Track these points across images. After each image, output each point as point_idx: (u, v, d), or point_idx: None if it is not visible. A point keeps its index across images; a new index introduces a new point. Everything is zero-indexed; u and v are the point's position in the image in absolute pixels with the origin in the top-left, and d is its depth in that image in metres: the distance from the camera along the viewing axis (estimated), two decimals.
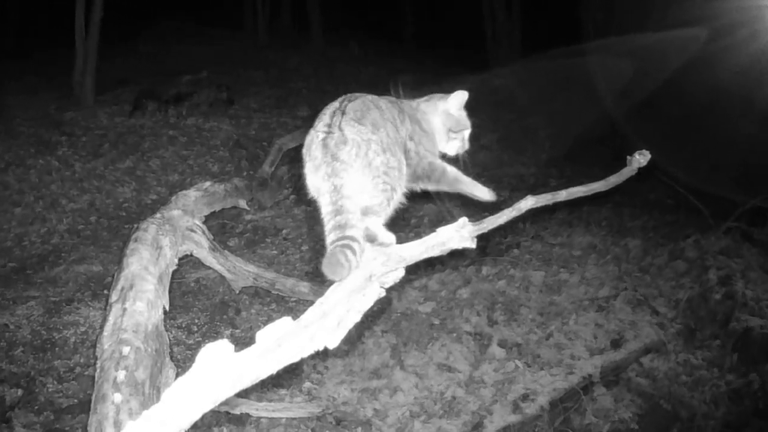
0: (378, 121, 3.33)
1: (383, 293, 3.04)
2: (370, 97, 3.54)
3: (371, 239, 3.16)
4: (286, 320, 2.79)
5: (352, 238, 3.05)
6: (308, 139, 3.35)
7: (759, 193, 9.29)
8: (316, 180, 3.26)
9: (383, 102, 3.55)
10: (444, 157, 3.78)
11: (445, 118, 3.84)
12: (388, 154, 3.25)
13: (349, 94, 3.51)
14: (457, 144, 3.89)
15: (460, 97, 3.87)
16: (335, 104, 3.41)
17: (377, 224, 3.20)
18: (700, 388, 6.86)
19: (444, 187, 3.63)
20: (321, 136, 3.26)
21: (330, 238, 3.11)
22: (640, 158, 3.84)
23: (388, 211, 3.30)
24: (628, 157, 3.86)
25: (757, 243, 8.89)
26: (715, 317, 7.68)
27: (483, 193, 3.57)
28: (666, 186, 10.72)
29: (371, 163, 3.19)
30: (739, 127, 12.59)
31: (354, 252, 3.01)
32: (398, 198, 3.38)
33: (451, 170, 3.62)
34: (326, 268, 3.00)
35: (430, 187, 3.64)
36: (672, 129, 13.48)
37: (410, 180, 3.55)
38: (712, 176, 10.58)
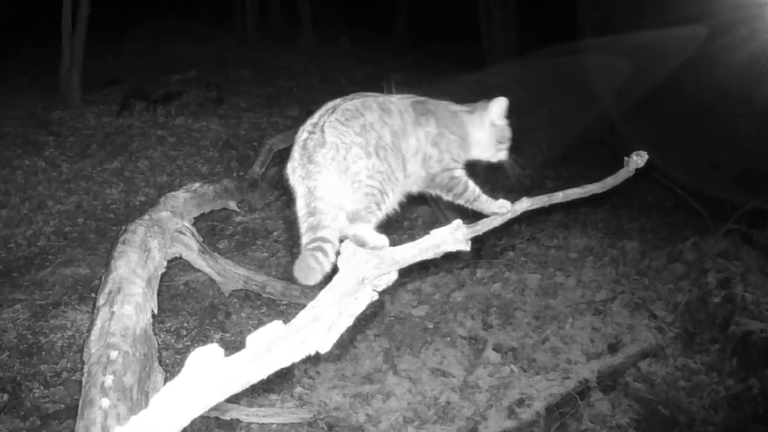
0: (371, 124, 3.32)
1: (376, 296, 3.05)
2: (374, 97, 3.54)
3: (361, 245, 3.16)
4: (277, 324, 2.79)
5: (324, 239, 3.09)
6: (296, 137, 3.38)
7: (759, 194, 9.31)
8: (293, 181, 3.30)
9: (393, 104, 3.54)
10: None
11: (492, 130, 3.81)
12: (374, 159, 3.23)
13: (354, 94, 3.53)
14: (504, 153, 3.89)
15: (502, 104, 3.83)
16: (332, 102, 3.43)
17: (366, 230, 3.19)
18: (699, 393, 6.87)
19: (460, 202, 3.63)
20: (304, 136, 3.30)
21: (303, 240, 3.14)
22: (638, 159, 3.86)
23: (378, 215, 3.30)
24: (625, 159, 3.87)
25: (757, 245, 8.90)
26: (714, 321, 7.70)
27: (499, 208, 3.55)
28: (664, 187, 10.73)
29: (348, 167, 3.19)
30: (739, 127, 12.62)
31: (326, 253, 3.06)
32: (391, 202, 3.38)
33: (473, 188, 3.60)
34: (297, 273, 3.06)
35: (444, 197, 3.65)
36: (670, 129, 13.51)
37: (425, 185, 3.58)
38: (711, 177, 10.60)
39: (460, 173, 3.63)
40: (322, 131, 3.25)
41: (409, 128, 3.50)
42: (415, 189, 3.60)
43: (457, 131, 3.70)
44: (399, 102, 3.58)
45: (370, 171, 3.23)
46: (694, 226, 9.50)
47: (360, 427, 6.40)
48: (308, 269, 3.01)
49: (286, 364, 2.75)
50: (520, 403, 6.53)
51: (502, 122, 3.86)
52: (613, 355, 7.24)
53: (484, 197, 3.59)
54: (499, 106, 3.81)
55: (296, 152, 3.31)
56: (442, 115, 3.68)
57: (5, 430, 5.99)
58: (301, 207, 3.23)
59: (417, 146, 3.51)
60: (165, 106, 14.26)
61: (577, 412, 6.60)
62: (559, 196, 3.70)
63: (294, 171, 3.29)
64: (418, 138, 3.51)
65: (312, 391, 6.81)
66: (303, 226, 3.19)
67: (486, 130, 3.79)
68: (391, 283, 3.16)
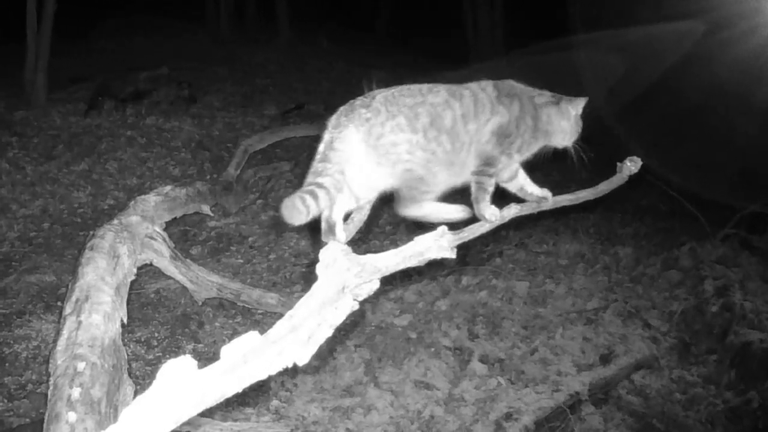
0: (432, 104, 3.44)
1: (357, 306, 3.04)
2: (446, 85, 3.63)
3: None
4: (253, 334, 2.78)
5: (320, 185, 3.18)
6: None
7: (758, 198, 9.34)
8: (325, 132, 3.41)
9: (468, 89, 3.63)
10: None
11: (574, 121, 3.96)
12: (419, 136, 3.34)
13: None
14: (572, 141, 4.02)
15: (585, 102, 3.99)
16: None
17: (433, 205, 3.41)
18: (696, 406, 6.89)
19: (474, 188, 3.69)
20: (357, 100, 3.43)
21: (304, 182, 3.23)
22: (631, 165, 3.89)
23: (427, 196, 3.45)
24: (618, 165, 3.91)
25: (756, 251, 8.95)
26: (712, 331, 7.73)
27: (490, 216, 3.60)
28: (659, 191, 10.77)
29: (383, 136, 3.30)
30: (738, 127, 12.64)
31: (316, 198, 3.15)
32: (444, 183, 3.51)
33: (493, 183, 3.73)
34: (283, 211, 3.14)
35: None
36: (666, 129, 13.55)
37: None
38: (709, 180, 10.62)
39: (507, 161, 3.73)
40: (374, 97, 3.35)
41: (487, 111, 3.60)
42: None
43: (541, 123, 3.86)
44: (475, 86, 3.67)
45: (412, 146, 3.32)
46: (691, 231, 9.54)
47: None
48: (293, 208, 3.10)
49: (263, 376, 2.74)
50: (508, 417, 6.52)
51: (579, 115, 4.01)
52: (606, 366, 7.25)
53: (489, 199, 3.65)
54: (584, 102, 3.97)
55: (342, 108, 3.40)
56: (525, 100, 3.79)
57: None
58: (317, 153, 3.33)
59: (491, 128, 3.60)
60: (134, 105, 14.20)
61: (568, 426, 6.61)
62: (549, 203, 3.73)
63: (329, 122, 3.39)
64: (494, 118, 3.62)
65: (289, 404, 6.79)
66: (309, 170, 3.28)
67: (570, 120, 3.92)
68: (372, 292, 3.15)
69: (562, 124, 3.88)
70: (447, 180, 3.46)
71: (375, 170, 3.34)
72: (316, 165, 3.27)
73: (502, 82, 3.75)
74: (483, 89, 3.62)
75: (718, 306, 7.85)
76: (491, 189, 3.64)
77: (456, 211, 3.40)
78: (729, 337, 7.49)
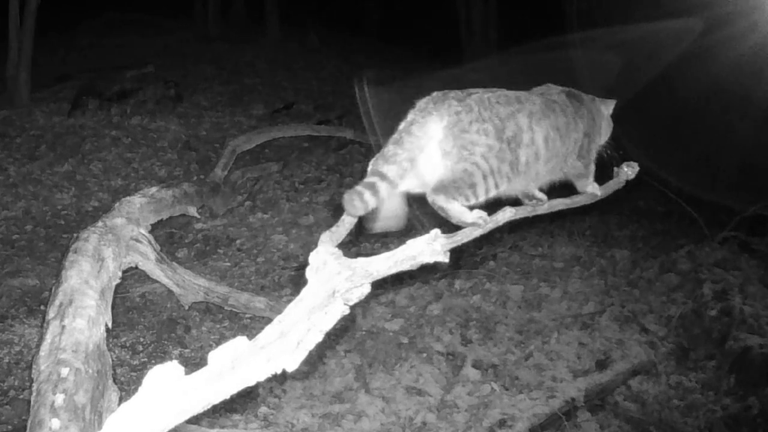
0: (530, 113, 3.56)
1: (347, 310, 3.04)
2: (541, 95, 3.78)
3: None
4: (241, 340, 2.78)
5: (383, 176, 3.23)
6: None
7: (758, 199, 9.35)
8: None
9: (557, 103, 3.76)
10: None
11: (607, 124, 4.11)
12: (503, 145, 3.41)
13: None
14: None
15: (614, 104, 4.19)
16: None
17: (457, 206, 3.39)
18: (694, 413, 6.89)
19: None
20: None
21: (369, 165, 3.33)
22: (628, 170, 3.94)
23: (469, 200, 3.43)
24: (615, 169, 3.96)
25: (756, 254, 8.95)
26: (711, 335, 7.73)
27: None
28: (657, 192, 10.78)
29: (466, 131, 3.34)
30: (737, 128, 12.66)
31: (375, 192, 3.21)
32: (490, 194, 3.52)
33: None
34: (344, 203, 3.23)
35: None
36: (663, 129, 13.56)
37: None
38: (708, 181, 10.67)
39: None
40: (470, 94, 3.40)
41: (572, 125, 3.74)
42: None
43: (597, 121, 4.03)
44: (558, 97, 3.81)
45: (489, 152, 3.36)
46: (689, 234, 9.56)
47: None
48: (351, 204, 3.19)
49: (251, 383, 2.74)
50: (502, 423, 6.52)
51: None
52: (602, 372, 7.25)
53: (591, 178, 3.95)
54: (613, 103, 4.19)
55: (434, 94, 3.47)
56: (589, 107, 3.97)
57: None
58: (395, 132, 3.37)
59: (576, 139, 3.79)
60: (119, 104, 14.17)
61: None
62: (545, 207, 3.75)
63: (417, 103, 3.44)
64: (578, 131, 3.79)
65: (278, 411, 6.78)
66: (382, 149, 3.33)
67: (606, 120, 4.10)
68: (363, 296, 3.15)
69: (602, 124, 4.04)
70: (495, 192, 3.50)
71: (439, 159, 3.37)
72: (389, 147, 3.31)
73: (570, 91, 3.86)
74: (562, 105, 3.76)
75: (717, 310, 7.85)
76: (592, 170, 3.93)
77: (473, 217, 3.41)
78: (728, 342, 7.49)
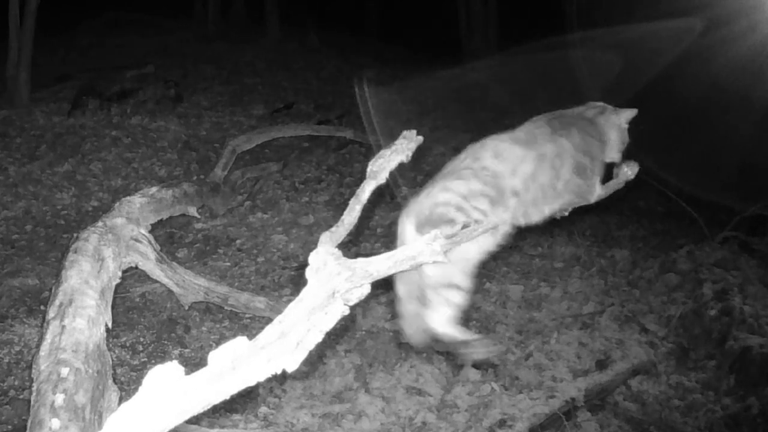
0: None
1: (347, 310, 3.05)
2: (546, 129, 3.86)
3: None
4: (242, 340, 2.79)
5: (462, 210, 3.54)
6: None
7: (759, 199, 9.34)
8: None
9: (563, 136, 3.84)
10: None
11: (620, 132, 4.07)
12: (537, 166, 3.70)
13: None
14: (619, 155, 4.12)
15: (634, 113, 4.12)
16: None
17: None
18: (694, 413, 6.88)
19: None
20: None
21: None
22: (628, 171, 3.93)
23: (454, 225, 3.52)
24: (615, 170, 3.94)
25: (756, 254, 8.95)
26: (711, 335, 7.72)
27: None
28: (657, 192, 10.78)
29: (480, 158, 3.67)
30: (737, 128, 12.64)
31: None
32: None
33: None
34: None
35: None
36: (663, 129, 13.51)
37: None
38: (708, 181, 10.62)
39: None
40: (534, 122, 3.71)
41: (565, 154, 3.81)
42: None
43: (596, 135, 4.00)
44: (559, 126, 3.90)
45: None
46: (689, 234, 9.55)
47: None
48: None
49: (251, 383, 2.75)
50: (502, 423, 6.51)
51: (626, 126, 4.10)
52: (602, 372, 7.24)
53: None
54: (631, 113, 4.10)
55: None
56: (581, 124, 3.96)
57: None
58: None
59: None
60: (120, 104, 14.15)
61: None
62: None
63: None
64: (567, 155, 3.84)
65: (278, 410, 6.77)
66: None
67: (617, 130, 4.04)
68: (363, 297, 3.16)
69: (611, 135, 4.01)
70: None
71: None
72: (475, 181, 3.56)
73: (552, 116, 3.90)
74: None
75: (717, 310, 7.84)
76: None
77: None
78: (728, 342, 7.48)
